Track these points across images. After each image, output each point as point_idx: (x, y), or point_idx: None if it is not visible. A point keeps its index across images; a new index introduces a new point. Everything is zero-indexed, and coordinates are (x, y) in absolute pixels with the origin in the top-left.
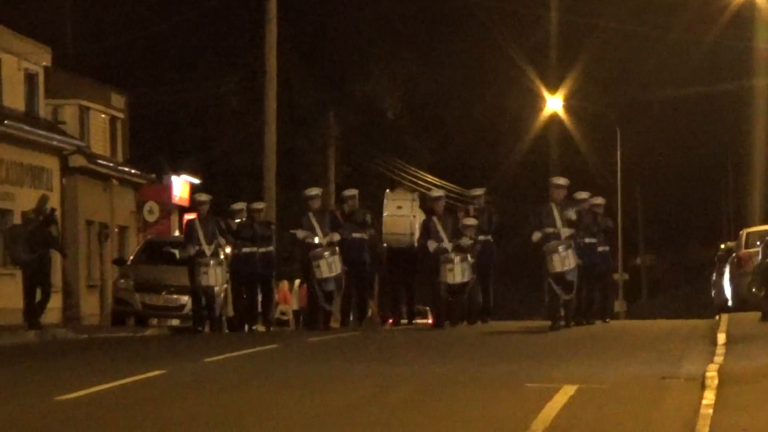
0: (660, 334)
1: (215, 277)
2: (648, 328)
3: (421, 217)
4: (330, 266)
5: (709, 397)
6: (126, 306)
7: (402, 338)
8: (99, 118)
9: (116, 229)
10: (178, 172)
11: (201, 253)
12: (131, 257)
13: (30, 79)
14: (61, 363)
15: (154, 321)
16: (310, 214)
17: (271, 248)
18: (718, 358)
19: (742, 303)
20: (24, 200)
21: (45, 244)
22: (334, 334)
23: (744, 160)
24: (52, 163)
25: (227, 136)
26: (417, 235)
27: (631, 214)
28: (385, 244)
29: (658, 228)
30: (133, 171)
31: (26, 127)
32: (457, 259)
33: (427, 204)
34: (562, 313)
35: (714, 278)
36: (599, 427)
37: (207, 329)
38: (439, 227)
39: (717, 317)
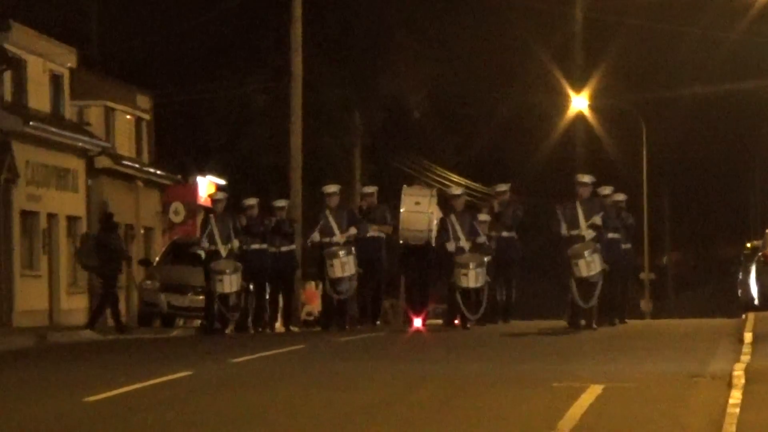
0: (686, 332)
1: (230, 284)
2: (674, 326)
3: (438, 213)
4: (343, 266)
5: (736, 395)
6: (152, 307)
7: (428, 338)
8: (124, 119)
9: (142, 231)
10: (203, 173)
11: (216, 254)
12: (157, 258)
13: (55, 80)
14: (88, 364)
15: (180, 322)
16: (327, 212)
17: (293, 246)
18: (745, 357)
19: None
20: (50, 202)
21: (108, 250)
22: (359, 334)
23: None
24: (77, 165)
25: (253, 136)
26: (434, 231)
27: (658, 212)
28: (401, 241)
29: (684, 225)
30: (158, 172)
31: (52, 129)
32: (471, 264)
33: (446, 201)
34: (583, 322)
35: (740, 277)
36: (626, 426)
37: (225, 328)
38: (457, 226)
39: (743, 316)
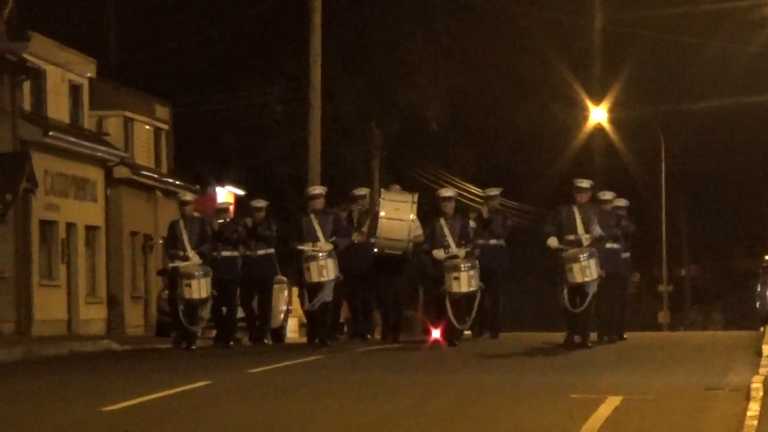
0: (704, 344)
1: (198, 290)
2: (692, 339)
3: (418, 224)
4: (321, 270)
5: (754, 408)
6: (170, 317)
7: (445, 349)
8: (143, 129)
9: (160, 241)
10: (222, 183)
11: (185, 258)
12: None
13: (74, 90)
14: (106, 373)
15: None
16: (312, 216)
17: (271, 250)
18: (763, 370)
19: None
20: (68, 212)
21: None
22: (376, 345)
23: None
24: (96, 175)
25: (271, 145)
26: (411, 244)
27: (676, 224)
28: (375, 249)
29: (702, 237)
30: (177, 182)
31: (71, 139)
32: (464, 266)
33: (435, 204)
34: (577, 338)
35: (759, 289)
36: None
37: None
38: (446, 231)
39: (762, 328)
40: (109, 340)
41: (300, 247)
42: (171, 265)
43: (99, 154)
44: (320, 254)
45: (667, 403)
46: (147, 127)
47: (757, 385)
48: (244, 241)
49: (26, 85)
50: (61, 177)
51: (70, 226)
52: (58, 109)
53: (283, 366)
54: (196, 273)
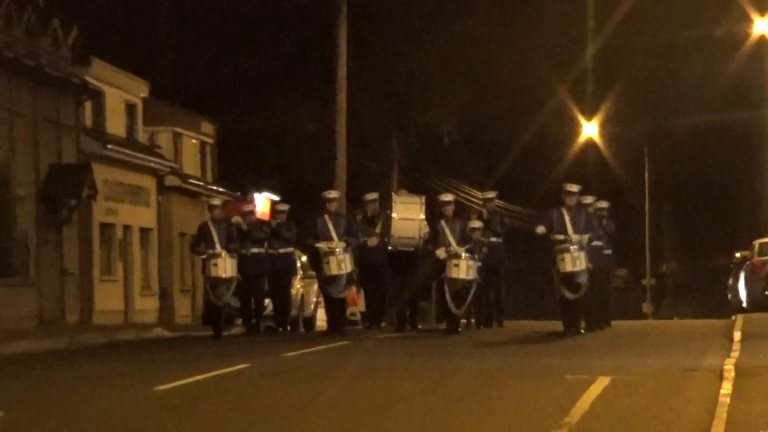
0: (683, 332)
1: (224, 269)
2: (672, 326)
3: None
4: (339, 264)
5: (727, 387)
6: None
7: (460, 336)
8: (190, 143)
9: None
10: (260, 190)
11: (216, 255)
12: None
13: (130, 109)
14: (159, 357)
15: (239, 321)
16: (326, 217)
17: (290, 249)
18: (735, 353)
19: (755, 304)
20: (125, 216)
21: None
22: (392, 334)
23: (757, 178)
24: (149, 183)
25: (303, 158)
26: (422, 240)
27: (658, 226)
28: (389, 247)
29: (681, 237)
30: (220, 189)
31: (127, 151)
32: (464, 255)
33: (436, 207)
34: (572, 329)
35: (731, 282)
36: (631, 413)
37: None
38: (447, 231)
39: (733, 317)
40: (161, 328)
41: (317, 245)
42: (202, 257)
43: (152, 164)
44: (338, 250)
45: (650, 382)
46: (194, 141)
47: (729, 366)
48: (269, 240)
49: (88, 105)
50: (119, 185)
51: (127, 228)
52: (115, 125)
53: (314, 350)
54: (223, 254)
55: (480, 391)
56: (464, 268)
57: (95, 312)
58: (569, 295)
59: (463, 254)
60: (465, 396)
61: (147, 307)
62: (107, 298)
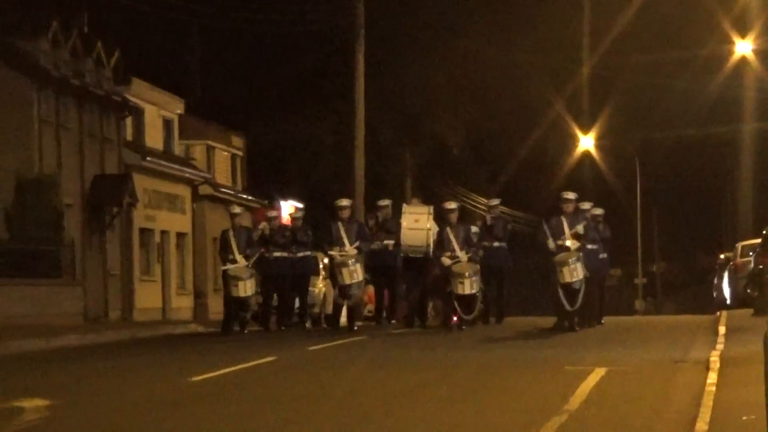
0: (672, 326)
1: (245, 289)
2: (662, 322)
3: (435, 228)
4: (351, 274)
5: (712, 377)
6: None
7: (466, 332)
8: (222, 155)
9: None
10: (285, 197)
11: (233, 261)
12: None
13: (167, 124)
14: (194, 351)
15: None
16: (339, 224)
17: (308, 252)
18: (720, 346)
19: (738, 301)
20: (162, 221)
21: None
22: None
23: (738, 186)
24: (184, 192)
25: (324, 168)
26: (432, 246)
27: (649, 229)
28: (401, 253)
29: (670, 240)
30: (249, 197)
31: (164, 163)
32: (467, 273)
33: (441, 215)
34: (566, 324)
35: (715, 281)
36: (625, 401)
37: (243, 329)
38: (452, 237)
39: (718, 313)
40: (196, 324)
41: (331, 252)
42: (222, 268)
43: (187, 175)
44: (349, 261)
45: (643, 373)
46: (225, 153)
47: (714, 358)
48: (290, 244)
49: (128, 120)
50: (157, 193)
51: (164, 233)
52: (153, 139)
53: (336, 344)
54: (243, 275)
55: (485, 381)
56: (468, 286)
57: (135, 309)
58: (570, 308)
59: (466, 273)
60: (471, 385)
61: (183, 305)
62: (146, 297)
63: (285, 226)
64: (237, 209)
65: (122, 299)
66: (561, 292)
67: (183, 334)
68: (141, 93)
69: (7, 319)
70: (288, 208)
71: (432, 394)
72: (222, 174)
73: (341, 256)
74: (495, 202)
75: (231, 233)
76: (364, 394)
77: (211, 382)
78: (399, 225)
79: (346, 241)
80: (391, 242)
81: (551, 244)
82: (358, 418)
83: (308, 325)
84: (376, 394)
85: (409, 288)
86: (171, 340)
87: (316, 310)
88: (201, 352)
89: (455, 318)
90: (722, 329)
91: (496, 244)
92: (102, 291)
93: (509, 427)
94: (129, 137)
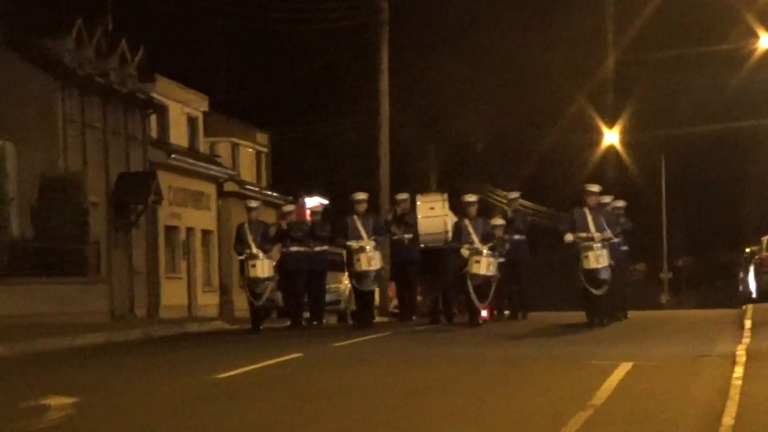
0: (698, 320)
1: (262, 269)
2: (688, 315)
3: (452, 215)
4: (369, 261)
5: (738, 371)
6: (270, 303)
7: (491, 327)
8: (247, 152)
9: None
10: (310, 194)
11: (251, 256)
12: (273, 264)
13: (191, 121)
14: (220, 348)
15: (274, 315)
16: (355, 217)
17: (325, 247)
18: (746, 340)
19: (763, 295)
20: (188, 219)
21: None
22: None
23: (764, 180)
24: (209, 189)
25: (349, 165)
26: (450, 233)
27: (674, 225)
28: (422, 245)
29: (695, 235)
30: (274, 194)
31: (189, 160)
32: (485, 252)
33: (461, 207)
34: (596, 320)
35: (741, 275)
36: (651, 396)
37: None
38: (471, 230)
39: (743, 307)
40: (221, 321)
41: (348, 243)
42: (240, 258)
43: (212, 172)
44: (368, 247)
45: (668, 367)
46: (250, 150)
47: (741, 351)
48: (306, 239)
49: (153, 118)
50: (182, 191)
51: (189, 230)
52: (178, 136)
53: (361, 340)
54: (260, 256)
55: (509, 376)
56: (485, 265)
57: (161, 307)
58: (595, 291)
59: (485, 251)
60: (495, 381)
61: (208, 302)
62: (172, 294)
63: (303, 221)
64: (254, 203)
65: (148, 297)
66: (585, 281)
67: (208, 331)
68: (165, 90)
69: (33, 317)
70: (313, 204)
71: (457, 389)
72: (247, 171)
73: (360, 245)
74: (514, 195)
75: (247, 227)
76: (389, 389)
77: (237, 379)
78: (416, 218)
79: (363, 234)
80: (410, 236)
81: (569, 237)
82: (385, 412)
83: (325, 321)
84: (401, 389)
85: (431, 284)
86: (196, 337)
87: (342, 306)
88: (227, 349)
89: (484, 313)
90: (748, 323)
91: (516, 237)
92: (128, 289)
93: (535, 421)
94: (154, 135)
